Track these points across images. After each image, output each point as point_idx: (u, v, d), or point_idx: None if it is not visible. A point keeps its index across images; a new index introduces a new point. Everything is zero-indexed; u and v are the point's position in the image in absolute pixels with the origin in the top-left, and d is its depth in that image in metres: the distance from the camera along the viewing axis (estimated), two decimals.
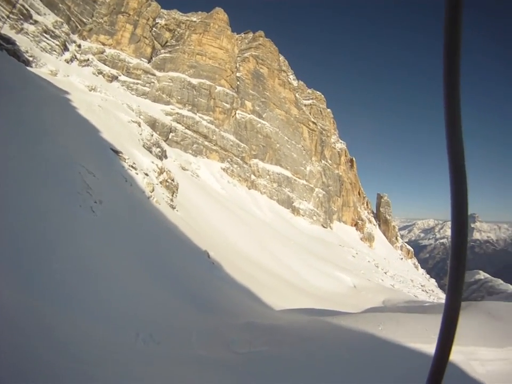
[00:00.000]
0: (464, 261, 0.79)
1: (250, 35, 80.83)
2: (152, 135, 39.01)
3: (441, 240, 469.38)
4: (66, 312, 7.08)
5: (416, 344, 10.69)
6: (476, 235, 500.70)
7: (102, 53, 52.76)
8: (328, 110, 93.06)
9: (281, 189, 66.82)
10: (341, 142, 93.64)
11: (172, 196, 27.75)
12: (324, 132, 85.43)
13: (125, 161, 23.61)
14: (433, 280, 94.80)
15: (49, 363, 4.41)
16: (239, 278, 20.60)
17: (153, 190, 23.96)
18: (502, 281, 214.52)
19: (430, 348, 10.59)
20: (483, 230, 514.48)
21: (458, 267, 0.79)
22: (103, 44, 54.17)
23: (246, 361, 7.75)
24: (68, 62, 45.96)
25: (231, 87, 63.96)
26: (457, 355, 11.16)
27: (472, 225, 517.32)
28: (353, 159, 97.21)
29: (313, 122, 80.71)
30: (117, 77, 53.17)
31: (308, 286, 28.78)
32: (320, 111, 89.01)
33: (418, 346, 10.53)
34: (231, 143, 60.87)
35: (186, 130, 55.01)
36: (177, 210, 26.46)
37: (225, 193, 49.17)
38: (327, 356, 8.70)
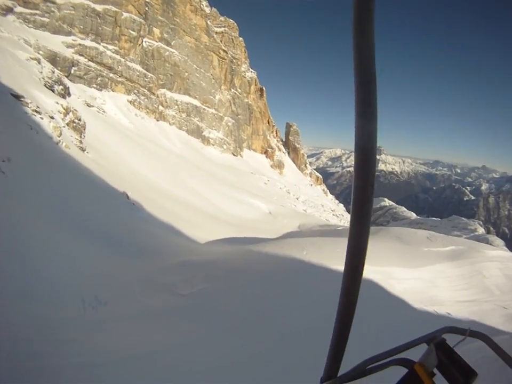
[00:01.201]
0: (372, 181, 0.77)
1: None
2: (53, 72, 35.84)
3: (348, 169, 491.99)
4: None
5: (336, 265, 11.72)
6: (382, 166, 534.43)
7: None
8: (240, 38, 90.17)
9: (190, 118, 65.69)
10: (251, 71, 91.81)
11: (80, 137, 26.23)
12: (234, 61, 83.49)
13: (27, 106, 21.72)
14: (341, 205, 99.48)
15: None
16: (161, 216, 20.62)
17: (60, 134, 22.50)
18: (405, 209, 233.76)
19: None
20: (388, 162, 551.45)
21: (364, 187, 0.76)
22: None
23: (191, 302, 7.98)
24: None
25: (139, 13, 59.18)
26: (376, 275, 13.15)
27: (378, 157, 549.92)
28: (263, 88, 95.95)
29: (224, 51, 78.31)
30: (12, 9, 46.06)
31: (226, 215, 29.47)
32: (232, 39, 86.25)
33: (338, 267, 11.38)
34: (138, 73, 57.70)
35: (90, 63, 50.88)
36: (87, 153, 25.27)
37: (134, 127, 47.62)
38: (264, 282, 9.43)
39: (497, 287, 18.15)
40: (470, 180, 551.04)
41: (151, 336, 6.79)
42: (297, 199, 63.18)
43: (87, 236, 11.80)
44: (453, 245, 21.46)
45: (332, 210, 73.57)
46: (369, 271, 13.08)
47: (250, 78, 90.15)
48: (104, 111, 44.76)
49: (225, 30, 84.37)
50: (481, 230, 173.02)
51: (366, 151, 0.70)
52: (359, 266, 0.89)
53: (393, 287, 13.55)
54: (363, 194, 0.77)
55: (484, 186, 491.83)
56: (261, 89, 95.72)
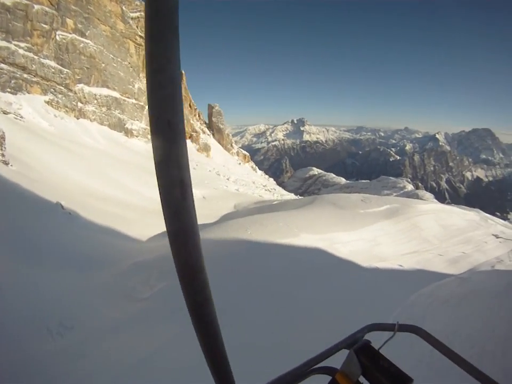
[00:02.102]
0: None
1: None
2: None
3: (274, 143, 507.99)
4: None
5: (282, 240, 12.64)
6: (306, 137, 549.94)
7: None
8: None
9: (111, 112, 63.36)
10: None
11: (1, 149, 24.26)
12: None
13: None
14: (271, 180, 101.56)
15: None
16: (100, 220, 20.11)
17: None
18: (334, 175, 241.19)
19: (295, 240, 13.08)
20: (312, 133, 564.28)
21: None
22: None
23: (155, 305, 7.96)
24: None
25: (51, 4, 54.81)
26: (322, 242, 14.05)
27: (302, 128, 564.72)
28: (183, 72, 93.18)
29: (140, 37, 74.71)
30: None
31: (159, 206, 28.52)
32: None
33: (285, 241, 12.58)
34: (53, 70, 53.98)
35: (2, 65, 47.05)
36: (11, 166, 23.77)
37: (55, 130, 45.32)
38: (218, 268, 9.58)
39: (435, 237, 20.09)
40: (394, 141, 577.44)
41: (131, 348, 6.78)
42: (228, 179, 63.26)
43: (27, 257, 10.83)
44: (387, 204, 22.99)
45: (264, 186, 74.33)
46: (314, 239, 14.00)
47: None
48: (21, 117, 42.35)
49: (141, 14, 78.92)
50: (410, 187, 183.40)
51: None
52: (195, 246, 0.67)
53: (340, 251, 14.28)
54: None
55: (408, 146, 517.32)
56: (180, 73, 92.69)
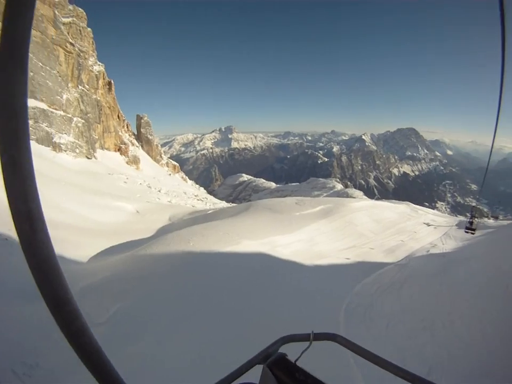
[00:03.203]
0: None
1: None
2: None
3: (202, 152, 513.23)
4: None
5: (225, 248, 12.84)
6: (234, 144, 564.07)
7: None
8: (89, 29, 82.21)
9: (39, 125, 58.93)
10: (99, 64, 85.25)
11: None
12: (81, 54, 76.07)
13: None
14: (202, 189, 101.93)
15: None
16: None
17: None
18: (264, 180, 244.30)
19: (237, 247, 13.26)
20: (240, 140, 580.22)
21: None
22: None
23: (114, 329, 7.64)
24: None
25: None
26: (263, 246, 14.48)
27: (230, 136, 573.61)
28: (111, 81, 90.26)
29: (71, 44, 71.03)
30: None
31: (96, 224, 26.81)
32: (80, 30, 78.34)
33: (228, 249, 12.77)
34: None
35: None
36: None
37: None
38: (168, 282, 9.67)
39: (370, 231, 21.40)
40: (321, 144, 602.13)
41: None
42: (159, 191, 62.30)
43: None
44: (321, 205, 24.01)
45: (195, 196, 74.02)
46: (256, 244, 14.36)
47: (98, 71, 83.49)
48: None
49: (73, 20, 76.19)
50: (339, 186, 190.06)
51: None
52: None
53: (282, 253, 14.73)
54: None
55: (335, 148, 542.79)
56: (109, 83, 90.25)
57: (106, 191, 43.65)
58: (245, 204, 29.65)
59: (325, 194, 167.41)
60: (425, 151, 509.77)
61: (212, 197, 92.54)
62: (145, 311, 8.20)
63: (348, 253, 17.34)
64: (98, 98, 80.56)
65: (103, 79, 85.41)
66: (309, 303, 10.09)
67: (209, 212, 30.43)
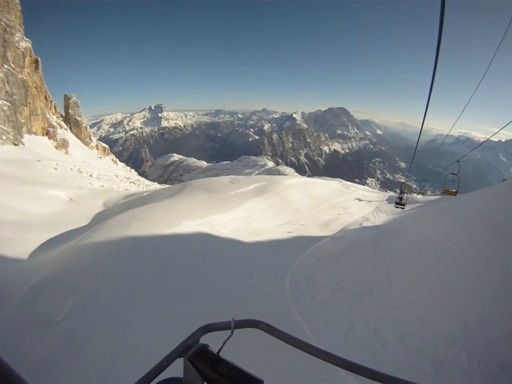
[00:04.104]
0: None
1: None
2: None
3: (131, 132, 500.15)
4: None
5: (166, 230, 13.06)
6: (164, 123, 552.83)
7: None
8: (17, 0, 71.96)
9: None
10: (26, 40, 75.76)
11: None
12: (7, 29, 68.00)
13: None
14: (133, 171, 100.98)
15: None
16: None
17: None
18: (195, 159, 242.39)
19: (178, 229, 13.53)
20: (170, 118, 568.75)
21: None
22: None
23: (74, 326, 7.25)
24: None
25: None
26: (203, 226, 14.90)
27: (160, 115, 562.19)
28: (39, 59, 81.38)
29: None
30: None
31: (29, 217, 25.00)
32: (8, 2, 69.12)
33: (169, 231, 13.02)
34: None
35: None
36: None
37: None
38: (121, 268, 9.60)
39: (305, 207, 22.42)
40: (252, 122, 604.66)
41: (73, 376, 5.99)
42: (90, 176, 60.14)
43: None
44: (255, 183, 24.69)
45: (127, 178, 72.85)
46: (196, 225, 14.69)
47: (24, 48, 74.38)
48: None
49: None
50: (270, 164, 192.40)
51: None
52: None
53: (221, 231, 15.21)
54: None
55: (266, 126, 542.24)
56: (36, 61, 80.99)
57: (37, 180, 41.41)
58: (179, 184, 30.05)
59: (256, 172, 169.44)
60: (356, 130, 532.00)
61: (144, 178, 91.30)
62: (100, 302, 7.97)
63: (285, 228, 18.17)
64: (25, 78, 73.79)
65: (30, 56, 77.81)
66: (253, 281, 10.68)
67: (144, 194, 30.51)
